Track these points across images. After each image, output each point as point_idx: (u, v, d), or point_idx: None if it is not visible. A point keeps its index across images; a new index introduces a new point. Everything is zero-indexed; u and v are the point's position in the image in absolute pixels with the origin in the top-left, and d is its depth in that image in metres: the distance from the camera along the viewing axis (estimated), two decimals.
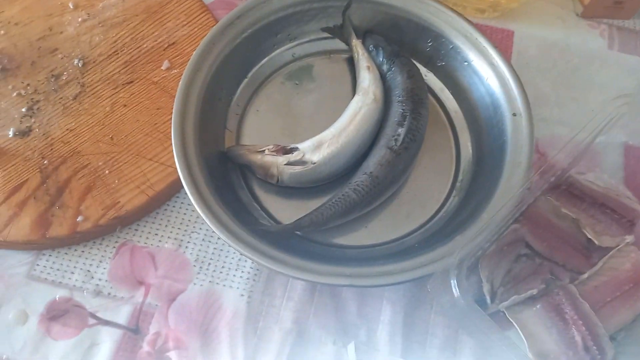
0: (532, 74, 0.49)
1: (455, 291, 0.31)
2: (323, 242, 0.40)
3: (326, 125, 0.42)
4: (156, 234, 0.40)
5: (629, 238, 0.39)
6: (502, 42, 0.51)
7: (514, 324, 0.37)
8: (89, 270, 0.38)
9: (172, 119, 0.38)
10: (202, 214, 0.35)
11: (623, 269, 0.38)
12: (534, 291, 0.37)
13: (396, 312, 0.38)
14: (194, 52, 0.40)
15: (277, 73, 0.47)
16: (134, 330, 0.36)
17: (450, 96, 0.46)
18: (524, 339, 0.36)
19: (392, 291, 0.38)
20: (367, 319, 0.37)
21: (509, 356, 0.30)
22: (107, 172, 0.40)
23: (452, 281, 0.31)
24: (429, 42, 0.46)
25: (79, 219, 0.38)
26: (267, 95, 0.46)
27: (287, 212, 0.41)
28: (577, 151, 0.44)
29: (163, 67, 0.45)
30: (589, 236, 0.39)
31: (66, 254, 0.39)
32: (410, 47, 0.47)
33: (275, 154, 0.40)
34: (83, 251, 0.39)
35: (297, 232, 0.40)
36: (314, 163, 0.40)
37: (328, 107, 0.45)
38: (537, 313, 0.37)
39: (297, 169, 0.40)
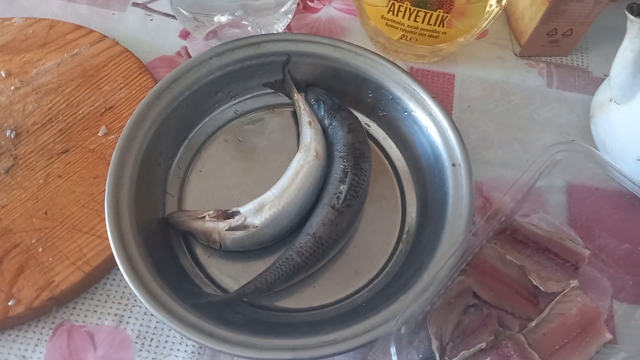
0: (474, 116, 0.50)
1: (395, 359, 0.30)
2: (270, 307, 0.39)
3: (271, 181, 0.41)
4: (95, 311, 0.38)
5: (574, 282, 0.39)
6: (444, 86, 0.52)
7: None
8: (24, 356, 0.36)
9: (106, 189, 0.37)
10: (137, 293, 0.34)
11: (570, 314, 0.39)
12: (483, 345, 0.37)
13: None
14: (129, 119, 0.40)
15: (219, 131, 0.46)
16: None
17: (394, 145, 0.46)
18: None
19: (342, 355, 0.37)
20: None
21: None
22: (40, 249, 0.38)
23: (391, 349, 0.30)
24: (370, 93, 0.46)
25: (11, 302, 0.36)
26: (210, 155, 0.45)
27: (232, 276, 0.40)
28: (521, 194, 0.44)
29: (100, 134, 0.44)
30: (535, 282, 0.39)
31: None
32: (352, 98, 0.47)
33: (216, 219, 0.39)
34: (17, 335, 0.37)
35: (244, 300, 0.39)
36: (256, 227, 0.39)
37: (274, 163, 0.44)
38: None
39: (239, 233, 0.39)
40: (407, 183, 0.45)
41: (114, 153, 0.38)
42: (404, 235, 0.42)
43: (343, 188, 0.40)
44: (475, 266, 0.40)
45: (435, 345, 0.37)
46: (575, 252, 0.40)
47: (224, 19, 0.50)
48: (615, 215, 0.43)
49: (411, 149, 0.45)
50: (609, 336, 0.37)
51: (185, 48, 0.52)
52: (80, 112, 0.44)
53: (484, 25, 0.47)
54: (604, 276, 0.41)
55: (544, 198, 0.45)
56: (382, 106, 0.46)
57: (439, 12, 0.45)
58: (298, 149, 0.43)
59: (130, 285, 0.34)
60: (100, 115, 0.45)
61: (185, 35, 0.53)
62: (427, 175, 0.43)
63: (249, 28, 0.51)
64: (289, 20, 0.52)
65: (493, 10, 0.45)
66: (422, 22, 0.46)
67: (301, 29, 0.54)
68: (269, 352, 0.33)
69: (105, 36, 0.49)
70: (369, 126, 0.47)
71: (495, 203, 0.44)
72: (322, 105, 0.45)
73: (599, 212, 0.44)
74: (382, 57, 0.45)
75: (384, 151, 0.46)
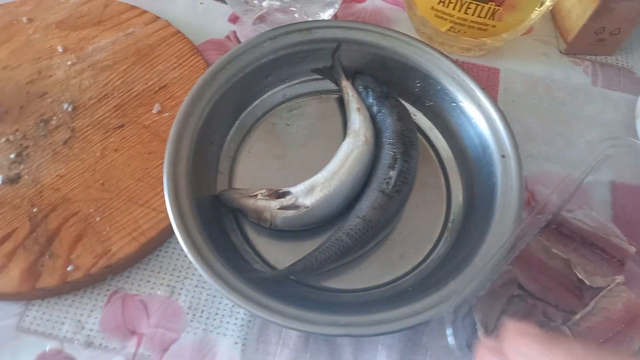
0: (519, 110, 0.50)
1: (451, 340, 0.31)
2: (316, 286, 0.40)
3: (317, 165, 0.42)
4: (148, 282, 0.39)
5: (619, 278, 0.40)
6: (489, 80, 0.52)
7: None
8: (79, 320, 0.37)
9: (164, 164, 0.38)
10: (194, 262, 0.35)
11: (615, 309, 0.39)
12: None
13: (392, 358, 0.37)
14: (186, 97, 0.41)
15: (268, 114, 0.47)
16: None
17: (440, 135, 0.47)
18: None
19: (388, 336, 0.38)
20: None
21: None
22: (98, 219, 0.39)
23: (447, 330, 0.31)
24: (417, 83, 0.46)
25: (70, 268, 0.37)
26: (259, 136, 0.46)
27: (280, 255, 0.41)
28: (568, 190, 0.44)
29: (154, 111, 0.45)
30: (580, 276, 0.40)
31: (56, 303, 0.38)
32: (398, 87, 0.47)
33: (268, 198, 0.40)
34: (74, 300, 0.38)
35: (292, 278, 0.40)
36: (307, 207, 0.40)
37: (319, 148, 0.45)
38: None
39: (290, 213, 0.40)
40: (452, 173, 0.45)
41: (171, 129, 0.39)
42: (449, 224, 0.43)
43: (393, 174, 0.41)
44: (521, 257, 0.41)
45: (481, 332, 0.37)
46: (620, 248, 0.41)
47: (273, 4, 0.51)
48: None
49: (458, 139, 0.45)
50: None
51: (234, 32, 0.52)
52: (135, 89, 0.46)
53: (533, 19, 0.47)
54: None
55: (589, 194, 0.45)
56: (429, 96, 0.46)
57: (491, 4, 0.45)
58: (346, 134, 0.44)
59: (188, 254, 0.35)
60: (154, 93, 0.45)
61: (234, 19, 0.53)
62: (474, 165, 0.44)
63: (296, 15, 0.52)
64: (336, 10, 0.53)
65: (545, 3, 0.45)
66: (473, 15, 0.47)
67: (347, 19, 0.55)
68: (322, 326, 0.33)
69: (158, 17, 0.50)
70: (415, 115, 0.47)
71: (543, 198, 0.45)
72: (371, 93, 0.46)
73: None
74: (432, 47, 0.45)
75: (429, 141, 0.47)
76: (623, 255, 0.40)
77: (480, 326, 0.37)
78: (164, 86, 0.46)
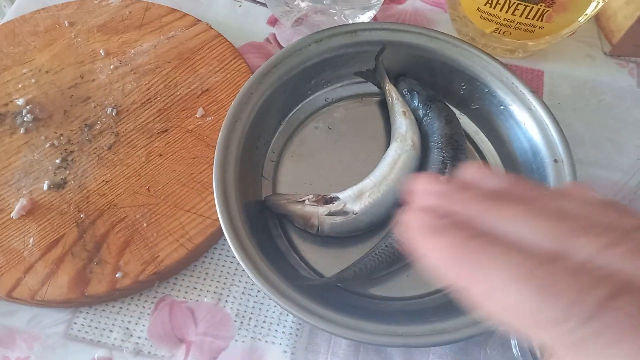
0: (565, 113, 0.49)
1: (516, 351, 0.30)
2: (364, 294, 0.39)
3: (359, 170, 0.41)
4: (195, 288, 0.39)
5: None
6: (533, 82, 0.51)
7: None
8: (127, 328, 0.37)
9: (214, 169, 0.37)
10: (246, 268, 0.34)
11: None
12: None
13: None
14: (233, 101, 0.40)
15: (310, 118, 0.46)
16: None
17: (486, 139, 0.46)
18: None
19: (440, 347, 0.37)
20: None
21: None
22: (145, 225, 0.39)
23: (512, 341, 0.30)
24: (463, 85, 0.46)
25: (118, 275, 0.37)
26: (301, 140, 0.45)
27: (325, 262, 0.40)
28: (617, 195, 0.43)
29: (197, 115, 0.44)
30: None
31: (104, 310, 0.38)
32: (442, 89, 0.46)
33: (315, 204, 0.39)
34: (121, 307, 0.38)
35: (338, 284, 0.39)
36: (355, 213, 0.39)
37: (361, 152, 0.44)
38: None
39: (338, 219, 0.39)
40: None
41: (220, 133, 0.39)
42: None
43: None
44: None
45: (536, 342, 0.36)
46: None
47: (313, 5, 0.50)
48: None
49: (505, 143, 0.44)
50: None
51: (274, 35, 0.52)
52: (178, 93, 0.45)
53: (582, 21, 0.46)
54: None
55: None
56: (475, 99, 0.45)
57: (541, 5, 0.44)
58: (392, 138, 0.43)
59: (240, 260, 0.34)
60: (197, 97, 0.45)
61: (273, 22, 0.53)
62: (523, 171, 0.43)
63: (335, 17, 0.52)
64: (376, 12, 0.52)
65: (596, 5, 0.44)
66: (520, 16, 0.46)
67: (387, 20, 0.54)
68: (378, 336, 0.33)
69: (199, 20, 0.49)
70: (460, 119, 0.46)
71: None
72: (416, 96, 0.45)
73: None
74: (480, 49, 0.44)
75: (475, 145, 0.46)
76: None
77: None
78: (207, 90, 0.46)
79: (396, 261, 0.38)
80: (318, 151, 0.45)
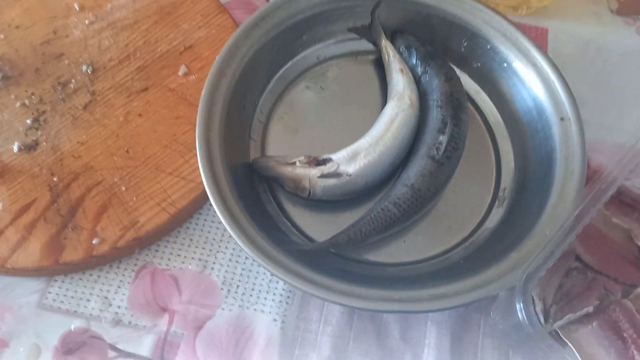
0: (570, 74, 0.46)
1: (521, 315, 0.28)
2: (359, 259, 0.37)
3: (353, 132, 0.39)
4: (179, 255, 0.36)
5: None
6: (537, 40, 0.48)
7: (569, 344, 0.34)
8: (106, 297, 0.35)
9: (197, 127, 0.35)
10: (232, 234, 0.32)
11: None
12: (590, 308, 0.34)
13: (442, 335, 0.35)
14: (217, 56, 0.37)
15: (301, 77, 0.44)
16: None
17: (487, 99, 0.43)
18: None
19: (438, 312, 0.35)
20: (412, 344, 0.34)
21: None
22: (123, 188, 0.36)
23: (517, 305, 0.28)
24: (464, 42, 0.43)
25: (95, 241, 0.34)
26: (292, 101, 0.43)
27: (318, 226, 0.38)
28: (623, 156, 0.41)
29: (180, 73, 0.41)
30: None
31: (80, 279, 0.35)
32: (442, 47, 0.44)
33: (307, 165, 0.37)
34: (99, 276, 0.35)
35: (331, 250, 0.37)
36: (350, 175, 0.36)
37: (355, 113, 0.42)
38: (593, 332, 0.34)
39: (331, 181, 0.37)
40: (502, 139, 0.42)
41: (203, 90, 0.36)
42: (500, 194, 0.40)
43: (443, 139, 0.37)
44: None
45: (539, 307, 0.35)
46: None
47: None
48: None
49: (508, 102, 0.42)
50: None
51: None
52: (159, 50, 0.42)
53: None
54: None
55: None
56: (476, 56, 0.43)
57: None
58: (389, 97, 0.40)
59: (225, 224, 0.32)
60: (180, 54, 0.42)
61: None
62: (527, 130, 0.40)
63: None
64: None
65: None
66: None
67: None
68: (374, 302, 0.31)
69: None
70: (460, 78, 0.44)
71: (597, 164, 0.41)
72: (414, 53, 0.42)
73: None
74: (482, 3, 0.41)
75: (476, 105, 0.43)
76: None
77: (539, 301, 0.35)
78: (190, 47, 0.42)
79: (392, 225, 0.35)
80: (310, 112, 0.42)
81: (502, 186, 0.40)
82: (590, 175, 0.41)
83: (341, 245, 0.35)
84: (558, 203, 0.35)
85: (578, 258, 0.37)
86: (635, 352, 0.33)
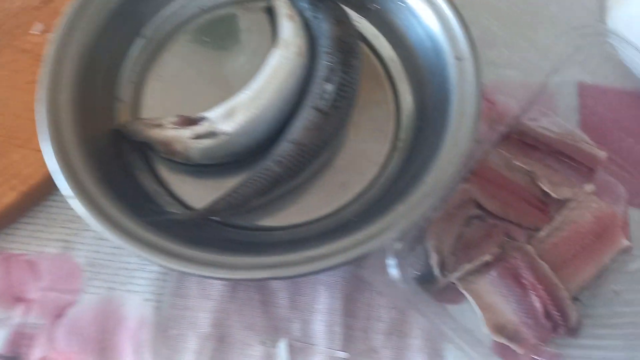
0: (476, 11, 0.43)
1: (394, 272, 0.26)
2: (246, 226, 0.34)
3: (241, 87, 0.35)
4: (37, 237, 0.32)
5: (589, 187, 0.35)
6: None
7: (467, 296, 0.32)
8: None
9: (38, 90, 0.30)
10: (80, 208, 0.28)
11: (584, 221, 0.35)
12: (488, 257, 0.33)
13: (334, 298, 0.32)
14: (67, 5, 0.32)
15: (181, 30, 0.39)
16: (13, 358, 0.29)
17: (386, 43, 0.40)
18: (479, 312, 0.32)
19: (329, 274, 0.33)
20: (301, 310, 0.32)
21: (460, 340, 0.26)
22: None
23: (389, 261, 0.26)
24: None
25: None
26: (171, 57, 0.38)
27: (202, 194, 0.34)
28: (530, 95, 0.39)
29: (34, 31, 0.36)
30: (545, 188, 0.35)
31: None
32: None
33: (178, 126, 0.33)
34: None
35: (214, 218, 0.34)
36: (227, 134, 0.33)
37: (244, 67, 0.38)
38: (492, 281, 0.33)
39: (207, 142, 0.33)
40: (401, 85, 0.39)
41: (49, 46, 0.31)
42: (399, 143, 0.37)
43: (329, 87, 0.34)
44: (479, 174, 0.36)
45: (434, 259, 0.33)
46: (590, 154, 0.36)
47: None
48: (631, 114, 0.38)
49: (407, 46, 0.39)
50: (625, 242, 0.34)
51: None
52: (11, 6, 0.36)
53: None
54: (619, 181, 0.37)
55: (554, 99, 0.40)
56: None
57: None
58: (275, 45, 0.36)
59: (71, 198, 0.28)
60: (36, 10, 0.37)
61: None
62: (425, 74, 0.37)
63: None
64: None
65: None
66: None
67: None
68: (242, 271, 0.28)
69: None
70: (359, 23, 0.40)
71: (501, 105, 0.39)
72: None
73: (613, 112, 0.39)
74: None
75: (375, 51, 0.40)
76: (593, 163, 0.36)
77: (434, 253, 0.33)
78: (49, 0, 0.37)
79: (276, 186, 0.32)
80: (192, 68, 0.38)
81: (400, 135, 0.37)
82: (497, 118, 0.39)
83: (221, 212, 0.32)
84: (450, 149, 0.32)
85: (479, 206, 0.36)
86: (534, 298, 0.32)
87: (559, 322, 0.32)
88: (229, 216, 0.33)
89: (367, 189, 0.35)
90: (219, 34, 0.39)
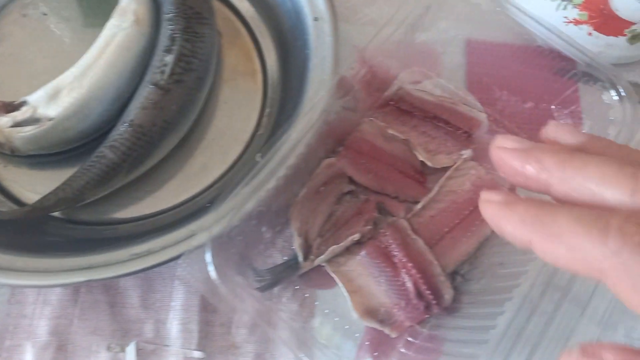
0: None
1: (213, 272, 0.23)
2: (90, 221, 0.30)
3: None
4: None
5: (466, 152, 0.32)
6: None
7: (336, 279, 0.30)
8: None
9: None
10: None
11: (462, 190, 0.32)
12: (356, 236, 0.30)
13: (191, 293, 0.30)
14: None
15: (13, 3, 0.34)
16: None
17: (250, 7, 0.36)
18: (346, 296, 0.29)
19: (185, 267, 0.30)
20: (155, 309, 0.29)
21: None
22: None
23: (206, 256, 0.23)
24: None
25: None
26: (3, 34, 0.34)
27: (38, 190, 0.30)
28: (413, 56, 0.36)
29: None
30: (421, 158, 0.32)
31: None
32: None
33: None
34: None
35: (56, 215, 0.30)
36: (52, 119, 0.29)
37: (89, 43, 0.33)
38: (362, 262, 0.30)
39: (30, 130, 0.29)
40: (268, 53, 0.35)
41: None
42: (264, 119, 0.34)
43: (169, 59, 0.30)
44: (351, 146, 0.33)
45: (297, 243, 0.30)
46: (468, 116, 0.33)
47: None
48: (519, 71, 0.35)
49: (271, 7, 0.35)
50: None
51: None
52: None
53: None
54: None
55: (439, 60, 0.37)
56: None
57: None
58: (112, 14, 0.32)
59: None
60: None
61: None
62: (289, 37, 0.34)
63: None
64: None
65: None
66: None
67: None
68: (51, 276, 0.25)
69: None
70: None
71: (382, 69, 0.36)
72: None
73: (500, 70, 0.36)
74: None
75: (241, 16, 0.36)
76: (471, 126, 0.33)
77: (298, 236, 0.30)
78: None
79: (113, 175, 0.29)
80: (29, 46, 0.34)
81: (267, 110, 0.34)
82: (377, 84, 0.36)
83: (51, 207, 0.28)
84: (302, 121, 0.29)
85: (352, 181, 0.33)
86: (406, 277, 0.30)
87: (432, 301, 0.29)
88: (73, 212, 0.30)
89: (229, 169, 0.32)
90: (58, 5, 0.35)
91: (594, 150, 0.17)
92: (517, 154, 0.18)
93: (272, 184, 0.26)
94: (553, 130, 0.18)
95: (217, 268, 0.23)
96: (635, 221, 0.14)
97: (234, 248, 0.25)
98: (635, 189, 0.15)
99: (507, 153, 0.18)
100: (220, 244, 0.23)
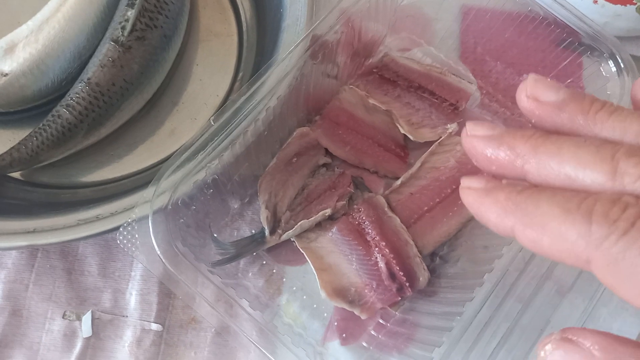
0: None
1: (156, 241, 0.21)
2: (52, 184, 0.29)
3: None
4: None
5: (452, 127, 0.30)
6: None
7: (305, 256, 0.28)
8: None
9: None
10: None
11: (445, 167, 0.30)
12: (327, 211, 0.28)
13: (155, 263, 0.28)
14: None
15: None
16: None
17: None
18: (315, 274, 0.28)
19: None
20: (114, 278, 0.28)
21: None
22: None
23: (150, 225, 0.21)
24: None
25: None
26: None
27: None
28: (402, 21, 0.33)
29: None
30: (403, 131, 0.30)
31: None
32: None
33: None
34: None
35: (14, 176, 0.29)
36: (6, 74, 0.27)
37: None
38: (333, 239, 0.28)
39: None
40: (245, 14, 0.33)
41: None
42: (237, 83, 0.31)
43: (131, 14, 0.28)
44: (328, 115, 0.31)
45: (264, 215, 0.28)
46: (456, 87, 0.31)
47: None
48: (514, 41, 0.32)
49: None
50: None
51: None
52: None
53: None
54: (498, 119, 0.32)
55: (430, 27, 0.34)
56: None
57: None
58: None
59: None
60: None
61: None
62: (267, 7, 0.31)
63: None
64: None
65: None
66: None
67: None
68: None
69: None
70: None
71: (368, 34, 0.33)
72: None
73: (496, 39, 0.33)
74: None
75: None
76: (458, 98, 0.30)
77: (265, 209, 0.28)
78: None
79: (70, 136, 0.27)
80: None
81: (240, 74, 0.32)
82: (361, 49, 0.34)
83: (5, 168, 0.27)
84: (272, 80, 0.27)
85: (329, 153, 0.31)
86: (378, 256, 0.28)
87: (404, 284, 0.28)
88: (33, 173, 0.29)
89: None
90: None
91: (577, 110, 0.16)
92: (488, 142, 0.16)
93: (228, 152, 0.24)
94: (532, 86, 0.16)
95: (160, 239, 0.21)
96: (620, 206, 0.13)
97: (187, 218, 0.23)
98: (614, 171, 0.14)
99: (478, 141, 0.16)
100: (166, 214, 0.22)
